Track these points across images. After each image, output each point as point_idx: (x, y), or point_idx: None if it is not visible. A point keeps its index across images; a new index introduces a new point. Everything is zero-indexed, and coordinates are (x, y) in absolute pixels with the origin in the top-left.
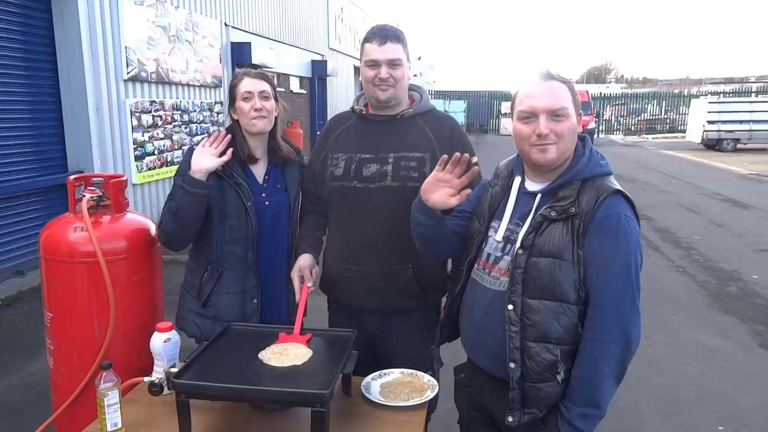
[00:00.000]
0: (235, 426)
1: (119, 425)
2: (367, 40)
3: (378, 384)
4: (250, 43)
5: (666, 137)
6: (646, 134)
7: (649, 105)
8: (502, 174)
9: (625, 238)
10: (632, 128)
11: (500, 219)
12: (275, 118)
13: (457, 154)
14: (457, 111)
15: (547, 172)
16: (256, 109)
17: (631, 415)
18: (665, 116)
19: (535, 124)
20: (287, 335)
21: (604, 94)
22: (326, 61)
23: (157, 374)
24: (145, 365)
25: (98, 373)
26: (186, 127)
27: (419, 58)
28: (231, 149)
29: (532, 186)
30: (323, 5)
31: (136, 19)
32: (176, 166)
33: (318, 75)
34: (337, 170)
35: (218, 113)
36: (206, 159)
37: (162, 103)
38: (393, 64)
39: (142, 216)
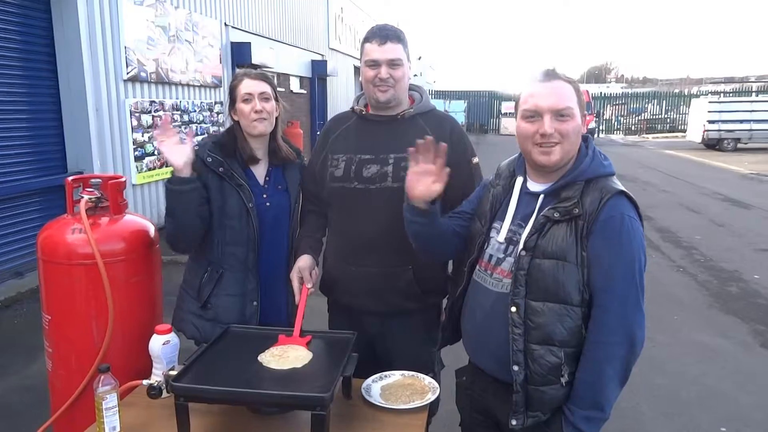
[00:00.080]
0: (234, 429)
1: (118, 428)
2: (367, 39)
3: (378, 386)
4: (250, 43)
5: (666, 137)
6: (647, 134)
7: (650, 104)
8: (504, 174)
9: (629, 240)
10: (632, 128)
11: (502, 220)
12: (276, 119)
13: (419, 141)
14: (458, 111)
15: (549, 173)
16: (256, 111)
17: (632, 416)
18: (665, 116)
19: (539, 124)
20: (287, 337)
21: (605, 94)
22: (326, 61)
23: (156, 377)
24: (143, 368)
25: (96, 377)
26: (186, 128)
27: (419, 58)
28: (188, 130)
29: (534, 186)
30: (323, 5)
31: (136, 19)
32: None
33: (318, 75)
34: (337, 171)
35: (218, 113)
36: (177, 152)
37: (162, 104)
38: (393, 64)
39: (141, 217)
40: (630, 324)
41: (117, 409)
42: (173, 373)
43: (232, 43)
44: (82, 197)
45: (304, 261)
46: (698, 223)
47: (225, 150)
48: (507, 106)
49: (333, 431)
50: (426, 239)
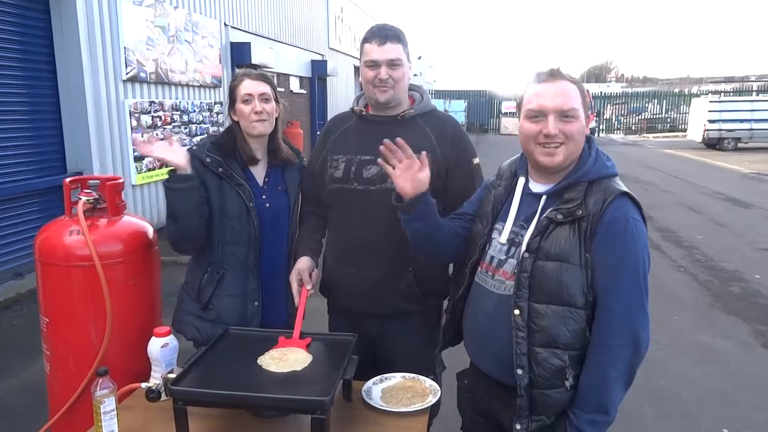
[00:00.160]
0: None
1: None
2: (366, 40)
3: (379, 389)
4: (249, 43)
5: (667, 136)
6: (647, 133)
7: (650, 104)
8: (505, 175)
9: (633, 241)
10: (633, 127)
11: (504, 221)
12: (275, 119)
13: (382, 147)
14: (458, 110)
15: (552, 173)
16: (256, 112)
17: (633, 417)
18: (666, 115)
19: (543, 124)
20: (287, 339)
21: (605, 93)
22: (326, 60)
23: (155, 380)
24: (142, 370)
25: (94, 380)
26: (186, 128)
27: (419, 58)
28: (168, 132)
29: (536, 187)
30: (323, 5)
31: (135, 19)
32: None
33: (318, 75)
34: (337, 172)
35: (218, 113)
36: (171, 153)
37: (161, 104)
38: (393, 64)
39: (139, 219)
40: (634, 326)
41: (115, 412)
42: (172, 375)
43: (231, 43)
44: (80, 199)
45: (303, 262)
46: (699, 223)
47: (224, 150)
48: (507, 106)
49: None
50: (424, 238)
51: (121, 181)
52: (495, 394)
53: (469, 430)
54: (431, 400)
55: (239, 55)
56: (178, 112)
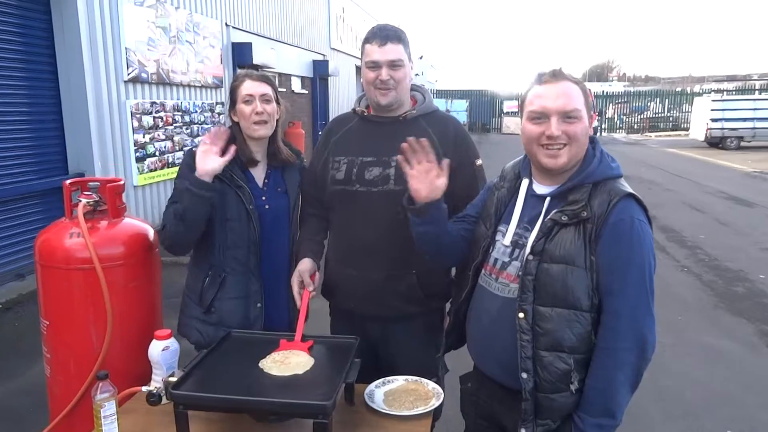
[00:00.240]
0: None
1: None
2: (367, 40)
3: (382, 392)
4: (251, 43)
5: (669, 135)
6: (649, 132)
7: (652, 103)
8: (509, 176)
9: (639, 243)
10: (635, 126)
11: (508, 223)
12: (276, 121)
13: (404, 145)
14: (459, 110)
15: (556, 175)
16: (257, 113)
17: (637, 418)
18: (668, 114)
19: (545, 125)
20: (288, 342)
21: (607, 93)
22: (328, 60)
23: (156, 383)
24: (143, 373)
25: (95, 384)
26: (187, 128)
27: (421, 57)
28: (234, 146)
29: (540, 189)
30: (324, 5)
31: (136, 20)
32: (177, 168)
33: (319, 75)
34: (339, 174)
35: (219, 114)
36: (210, 160)
37: (163, 104)
38: (394, 65)
39: (140, 221)
40: (641, 329)
41: (116, 416)
42: (173, 379)
43: (233, 43)
44: (80, 201)
45: (304, 264)
46: (702, 222)
47: (224, 152)
48: (509, 105)
49: None
50: (434, 243)
51: (122, 182)
52: (499, 397)
53: None
54: (434, 403)
55: (240, 55)
56: (180, 113)
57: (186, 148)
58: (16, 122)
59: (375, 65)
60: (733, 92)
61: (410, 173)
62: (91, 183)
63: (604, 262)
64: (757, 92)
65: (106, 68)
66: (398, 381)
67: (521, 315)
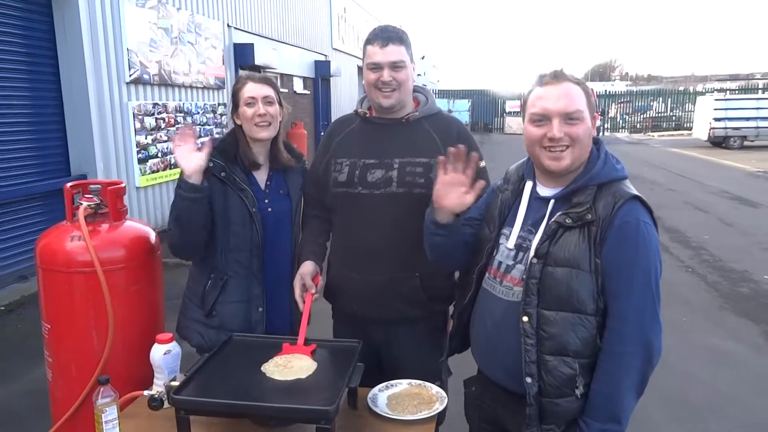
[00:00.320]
0: None
1: None
2: (368, 41)
3: (385, 396)
4: (252, 44)
5: (672, 135)
6: (652, 132)
7: (655, 102)
8: (513, 178)
9: (645, 246)
10: (638, 126)
11: (511, 225)
12: (279, 123)
13: (452, 149)
14: (462, 110)
15: (559, 177)
16: (259, 115)
17: (641, 421)
18: (671, 113)
19: (547, 127)
20: (291, 346)
21: (609, 92)
22: (329, 61)
23: (158, 387)
24: (145, 377)
25: (96, 388)
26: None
27: (423, 57)
28: (210, 138)
29: (544, 191)
30: (326, 5)
31: (138, 21)
32: (179, 169)
33: (321, 75)
34: (341, 176)
35: (221, 115)
36: (191, 158)
37: (165, 106)
38: (395, 66)
39: (141, 224)
40: (647, 333)
41: (117, 421)
42: (175, 383)
43: (234, 44)
44: (81, 204)
45: (306, 267)
46: (706, 222)
47: (226, 154)
48: (511, 105)
49: None
50: (445, 251)
51: (123, 185)
52: (503, 401)
53: None
54: (438, 407)
55: (242, 56)
56: (182, 114)
57: None
58: (18, 124)
59: (377, 67)
60: (736, 91)
61: (441, 178)
62: (92, 186)
63: (609, 265)
64: (760, 91)
65: (108, 69)
66: (402, 385)
67: (525, 318)
